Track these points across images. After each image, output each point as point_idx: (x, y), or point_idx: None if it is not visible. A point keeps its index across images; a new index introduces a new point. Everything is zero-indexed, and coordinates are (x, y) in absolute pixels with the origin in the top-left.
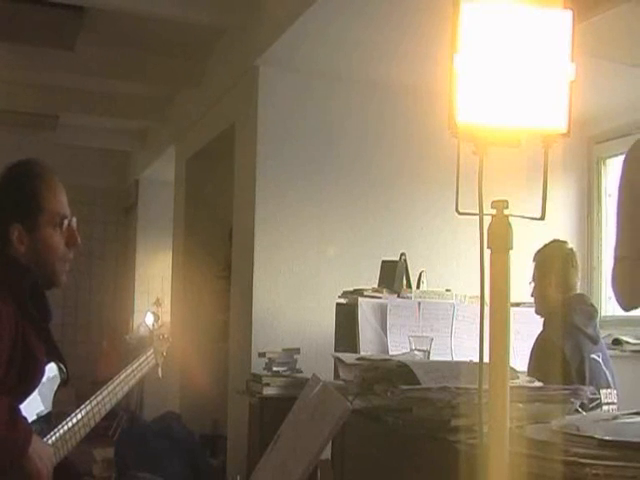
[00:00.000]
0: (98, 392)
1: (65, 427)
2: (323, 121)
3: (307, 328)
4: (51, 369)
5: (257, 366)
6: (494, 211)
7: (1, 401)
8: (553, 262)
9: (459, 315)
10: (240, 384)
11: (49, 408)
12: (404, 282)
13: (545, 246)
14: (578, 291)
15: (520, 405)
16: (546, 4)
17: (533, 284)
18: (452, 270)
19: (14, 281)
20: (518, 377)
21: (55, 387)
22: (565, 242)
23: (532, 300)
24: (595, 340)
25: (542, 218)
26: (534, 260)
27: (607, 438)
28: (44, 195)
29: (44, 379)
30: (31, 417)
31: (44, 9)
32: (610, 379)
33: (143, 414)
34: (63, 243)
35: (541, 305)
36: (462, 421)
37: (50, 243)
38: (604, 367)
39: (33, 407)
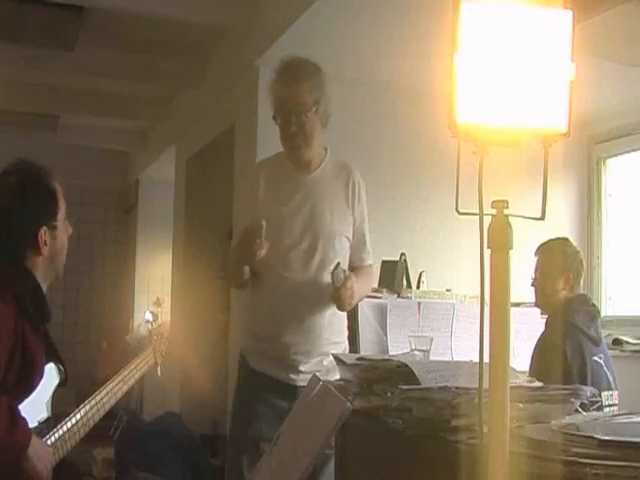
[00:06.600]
0: (97, 392)
1: (65, 427)
2: None
3: None
4: (50, 369)
5: None
6: (494, 211)
7: (0, 402)
8: (558, 261)
9: (459, 315)
10: None
11: (49, 408)
12: (404, 282)
13: (550, 241)
14: (581, 291)
15: (520, 405)
16: (546, 4)
17: (534, 275)
18: (452, 270)
19: (14, 282)
20: (518, 377)
21: (54, 387)
22: (569, 240)
23: (532, 299)
24: (597, 342)
25: (542, 218)
26: (536, 254)
27: (607, 438)
28: (60, 194)
29: (43, 379)
30: (30, 418)
31: (44, 9)
32: (611, 381)
33: (143, 414)
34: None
35: (542, 302)
36: (462, 421)
37: (63, 240)
38: (605, 369)
39: (33, 408)
